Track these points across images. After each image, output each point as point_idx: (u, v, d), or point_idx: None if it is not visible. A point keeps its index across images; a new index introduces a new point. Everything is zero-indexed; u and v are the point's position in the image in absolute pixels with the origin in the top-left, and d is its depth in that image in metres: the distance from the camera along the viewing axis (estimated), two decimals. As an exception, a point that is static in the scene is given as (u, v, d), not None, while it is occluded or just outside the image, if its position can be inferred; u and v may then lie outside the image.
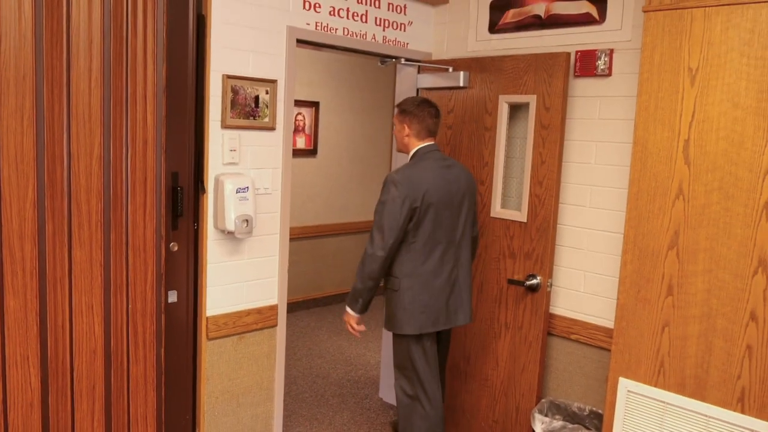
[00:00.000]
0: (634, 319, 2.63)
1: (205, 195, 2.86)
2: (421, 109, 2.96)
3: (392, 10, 3.51)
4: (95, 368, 2.59)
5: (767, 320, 2.27)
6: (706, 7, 2.41)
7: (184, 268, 2.90)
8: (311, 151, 5.97)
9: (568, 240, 3.19)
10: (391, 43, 3.53)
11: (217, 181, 2.86)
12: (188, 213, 2.86)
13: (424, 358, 2.94)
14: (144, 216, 2.65)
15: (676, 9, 2.49)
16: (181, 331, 2.94)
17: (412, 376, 2.96)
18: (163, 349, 2.77)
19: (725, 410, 2.38)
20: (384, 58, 3.56)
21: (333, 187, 6.15)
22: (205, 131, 2.83)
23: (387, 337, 4.05)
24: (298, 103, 5.79)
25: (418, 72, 3.68)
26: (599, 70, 3.01)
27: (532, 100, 3.14)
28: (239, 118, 2.91)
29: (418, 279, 2.89)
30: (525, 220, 3.20)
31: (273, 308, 3.19)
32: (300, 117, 5.84)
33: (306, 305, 6.14)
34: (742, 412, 2.34)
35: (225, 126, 2.87)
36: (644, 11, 2.58)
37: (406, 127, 2.97)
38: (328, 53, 5.70)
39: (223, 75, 2.83)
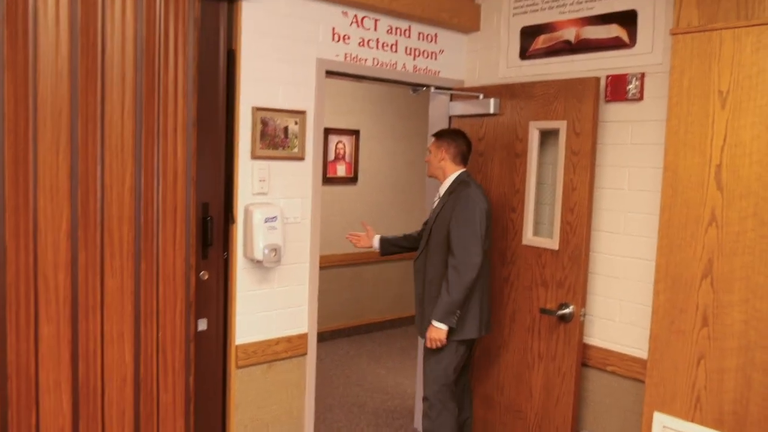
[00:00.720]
0: (668, 350, 2.54)
1: (234, 225, 2.92)
2: (458, 137, 3.22)
3: (423, 39, 3.53)
4: (125, 395, 2.65)
5: (808, 354, 2.15)
6: (735, 28, 2.35)
7: (214, 297, 2.95)
8: (352, 179, 6.02)
9: (603, 268, 3.10)
10: (422, 71, 3.55)
11: (246, 210, 2.92)
12: (218, 242, 2.92)
13: (460, 365, 3.19)
14: (174, 245, 2.72)
15: (704, 31, 2.44)
16: (211, 359, 2.98)
17: (444, 388, 3.14)
18: (192, 377, 2.82)
19: (766, 449, 2.26)
20: (416, 86, 3.58)
21: (373, 214, 6.18)
22: (235, 162, 2.89)
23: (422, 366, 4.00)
24: (338, 131, 5.87)
25: (450, 99, 3.69)
26: (630, 95, 2.95)
27: (562, 125, 3.10)
28: (268, 149, 2.97)
29: (480, 285, 3.10)
30: (557, 248, 3.14)
31: (303, 337, 3.20)
32: (340, 145, 5.91)
33: (346, 333, 6.14)
34: (784, 451, 2.22)
35: (254, 157, 2.93)
36: (672, 34, 2.53)
37: (443, 152, 3.19)
38: (367, 83, 5.80)
39: (252, 107, 2.90)
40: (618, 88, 3.00)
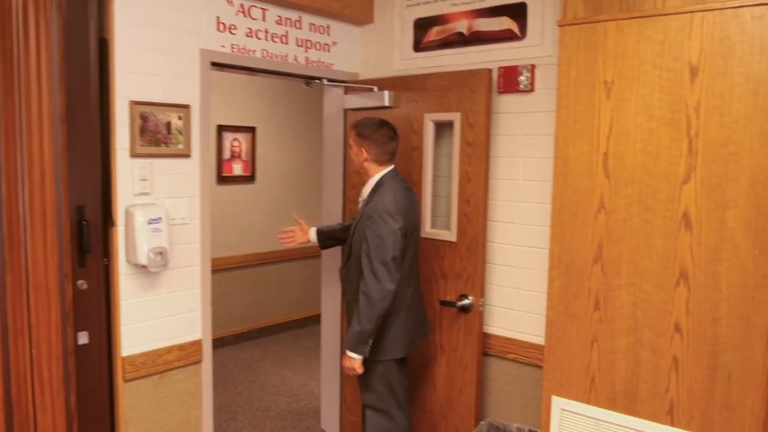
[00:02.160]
0: (564, 335, 2.57)
1: (115, 228, 2.70)
2: (381, 133, 2.89)
3: (315, 31, 3.43)
4: (-5, 420, 2.40)
5: (690, 331, 2.23)
6: (618, 20, 2.40)
7: (95, 307, 2.73)
8: (249, 178, 5.83)
9: (500, 258, 3.13)
10: (314, 64, 3.45)
11: (127, 212, 2.71)
12: (97, 248, 2.70)
13: (402, 377, 2.98)
14: (45, 253, 2.48)
15: (589, 23, 2.47)
16: (95, 373, 2.76)
17: (387, 397, 2.96)
18: (73, 395, 2.58)
19: (655, 424, 2.33)
20: (309, 79, 3.47)
21: (273, 213, 6.01)
22: (112, 161, 2.68)
23: (327, 365, 3.92)
24: (234, 128, 5.66)
25: (345, 93, 3.60)
26: (522, 86, 2.98)
27: (456, 117, 3.09)
28: (150, 146, 2.78)
29: (403, 303, 2.89)
30: (455, 240, 3.13)
31: (196, 343, 3.03)
32: (236, 143, 5.70)
33: (250, 335, 5.96)
34: (672, 424, 2.29)
35: (134, 154, 2.73)
36: (559, 26, 2.56)
37: (365, 152, 2.90)
38: (261, 77, 5.62)
39: (130, 101, 2.70)
40: (510, 80, 3.02)
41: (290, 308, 6.26)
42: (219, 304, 5.33)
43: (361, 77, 3.65)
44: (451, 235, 3.13)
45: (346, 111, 3.62)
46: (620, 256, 2.41)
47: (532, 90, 2.97)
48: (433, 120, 3.20)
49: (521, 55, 3.00)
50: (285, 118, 6.08)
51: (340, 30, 3.56)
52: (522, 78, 2.97)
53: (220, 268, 5.52)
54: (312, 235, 3.31)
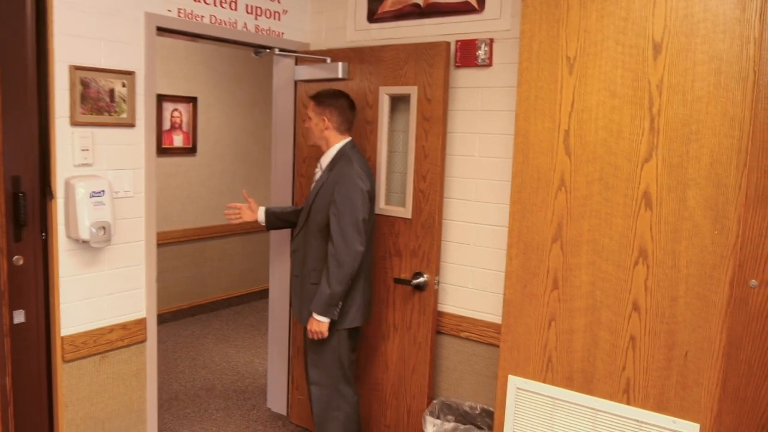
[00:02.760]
0: (521, 315, 2.58)
1: (54, 201, 2.53)
2: (341, 102, 2.91)
3: (265, -3, 3.28)
4: None
5: (648, 310, 2.26)
6: (581, -6, 2.38)
7: (32, 284, 2.56)
8: (190, 150, 5.61)
9: (455, 235, 3.11)
10: (264, 32, 3.31)
11: (67, 184, 2.54)
12: (34, 222, 2.52)
13: (350, 352, 2.99)
14: (-23, 227, 2.30)
15: (552, -3, 2.44)
16: (32, 354, 2.59)
17: (336, 372, 2.96)
18: (8, 377, 2.43)
19: (612, 402, 2.36)
20: (258, 48, 3.33)
21: (215, 187, 5.83)
22: (51, 129, 2.49)
23: (274, 343, 3.83)
24: (174, 98, 5.43)
25: (296, 64, 3.48)
26: (480, 60, 2.94)
27: (413, 91, 3.02)
28: (92, 114, 2.60)
29: (363, 270, 2.92)
30: (410, 217, 3.09)
31: (140, 322, 2.89)
32: (176, 113, 5.47)
33: (191, 312, 5.79)
34: (628, 403, 2.33)
35: (75, 123, 2.55)
36: (521, -1, 2.52)
37: (326, 120, 2.90)
38: (204, 45, 5.38)
39: (70, 66, 2.51)
40: (468, 54, 2.97)
41: (232, 284, 6.11)
42: (159, 280, 5.16)
43: (313, 48, 3.53)
44: (406, 212, 3.09)
45: (297, 83, 3.50)
46: (580, 234, 2.42)
47: (490, 65, 2.93)
48: (389, 93, 3.12)
49: (479, 28, 2.96)
50: (229, 88, 5.87)
51: (292, -3, 3.42)
52: (480, 52, 2.93)
53: (160, 242, 5.29)
54: (260, 214, 3.21)
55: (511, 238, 2.61)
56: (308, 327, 2.86)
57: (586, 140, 2.38)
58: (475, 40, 2.94)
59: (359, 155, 2.94)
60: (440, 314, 3.15)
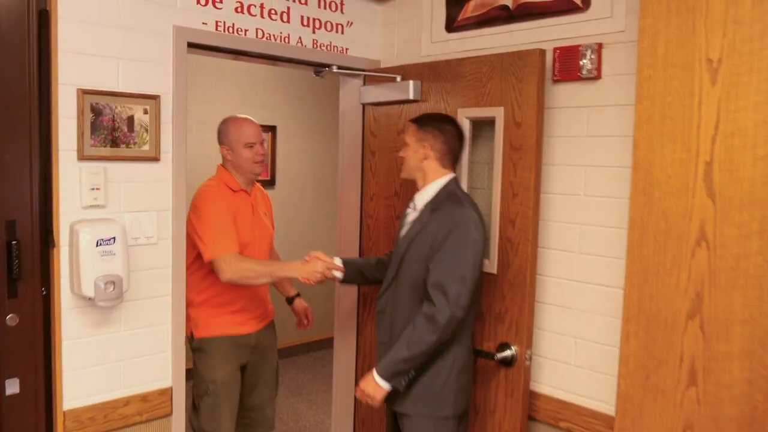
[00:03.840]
0: (642, 416, 1.86)
1: (55, 250, 2.12)
2: (446, 127, 2.33)
3: (324, 7, 2.79)
4: None
5: None
6: (729, -28, 1.68)
7: (30, 348, 2.14)
8: (268, 182, 5.24)
9: (553, 296, 2.42)
10: (324, 48, 2.81)
11: (72, 230, 2.12)
12: (32, 274, 2.11)
13: None
14: (-45, 283, 1.91)
15: (685, -22, 1.77)
16: (27, 431, 2.18)
17: None
18: (-8, 465, 2.02)
19: None
20: (319, 67, 2.83)
21: (296, 222, 5.41)
22: (53, 165, 2.10)
23: (338, 401, 3.27)
24: (252, 127, 5.08)
25: (364, 84, 2.96)
26: (584, 72, 2.27)
27: (498, 113, 2.40)
28: (104, 146, 2.18)
29: (466, 342, 2.31)
30: (495, 272, 2.44)
31: (165, 392, 2.42)
32: (254, 144, 5.12)
33: (266, 358, 5.35)
34: None
35: (83, 157, 2.14)
36: (641, -15, 1.85)
37: (427, 148, 2.31)
38: (284, 69, 5.03)
39: (78, 90, 2.11)
40: (569, 64, 2.32)
41: (312, 327, 5.62)
42: None
43: (384, 65, 2.99)
44: (490, 265, 2.44)
45: (364, 106, 2.98)
46: (730, 310, 1.68)
47: (597, 77, 2.26)
48: (470, 117, 2.52)
49: (583, 31, 2.30)
50: (311, 116, 5.48)
51: (356, 7, 2.91)
52: (585, 62, 2.26)
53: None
54: (338, 264, 2.61)
55: (628, 309, 1.91)
56: (362, 386, 2.24)
57: (739, 176, 1.66)
58: (578, 46, 2.28)
59: (469, 196, 2.34)
60: (533, 395, 2.46)
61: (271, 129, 5.21)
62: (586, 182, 2.32)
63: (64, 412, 2.19)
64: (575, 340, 2.37)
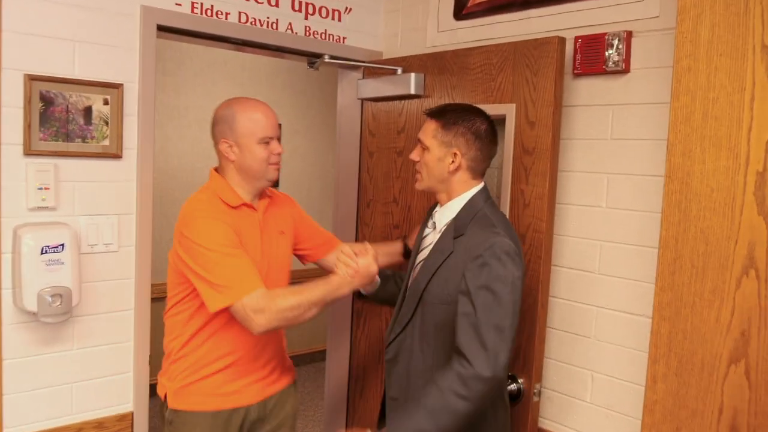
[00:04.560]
0: (672, 478, 1.54)
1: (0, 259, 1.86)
2: (480, 125, 1.80)
3: (320, -9, 2.51)
4: None
5: None
6: (791, -61, 1.36)
7: (-35, 370, 1.89)
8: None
9: (568, 322, 2.11)
10: (318, 36, 2.53)
11: (15, 235, 1.86)
12: (-33, 285, 1.86)
13: None
14: None
15: (736, -52, 1.45)
16: (-36, 464, 1.92)
17: None
18: None
19: None
20: (311, 57, 2.55)
21: (300, 226, 5.13)
22: (-6, 160, 1.84)
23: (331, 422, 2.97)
24: (255, 125, 4.82)
25: (363, 77, 2.66)
26: (610, 64, 1.95)
27: (509, 111, 2.09)
28: (55, 140, 1.92)
29: (503, 391, 1.86)
30: (501, 292, 2.12)
31: (124, 418, 2.15)
32: (258, 142, 4.85)
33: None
34: None
35: (30, 152, 1.88)
36: (680, -43, 1.54)
37: (459, 157, 1.78)
38: (289, 63, 4.76)
39: (24, 75, 1.85)
40: (592, 55, 2.00)
41: (316, 336, 5.35)
42: None
43: (387, 56, 2.70)
44: (495, 283, 2.13)
45: (362, 102, 2.68)
46: (786, 357, 1.36)
47: (626, 70, 1.94)
48: (477, 115, 2.21)
49: (610, 17, 1.98)
50: (319, 114, 5.20)
51: (356, -8, 2.63)
52: (611, 52, 1.95)
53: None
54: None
55: (657, 347, 1.60)
56: None
57: (802, 191, 1.34)
58: (604, 34, 1.96)
59: (499, 213, 1.84)
60: (543, 435, 2.15)
61: (276, 127, 4.93)
62: (609, 192, 2.00)
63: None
64: (591, 374, 2.05)
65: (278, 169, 1.95)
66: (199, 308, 1.83)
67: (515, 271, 1.65)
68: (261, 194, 1.98)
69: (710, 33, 1.48)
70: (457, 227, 1.78)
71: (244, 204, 1.91)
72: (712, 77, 1.48)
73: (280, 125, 4.73)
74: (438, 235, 1.84)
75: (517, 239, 1.78)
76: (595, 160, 2.03)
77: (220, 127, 1.89)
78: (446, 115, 1.81)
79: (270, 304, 1.71)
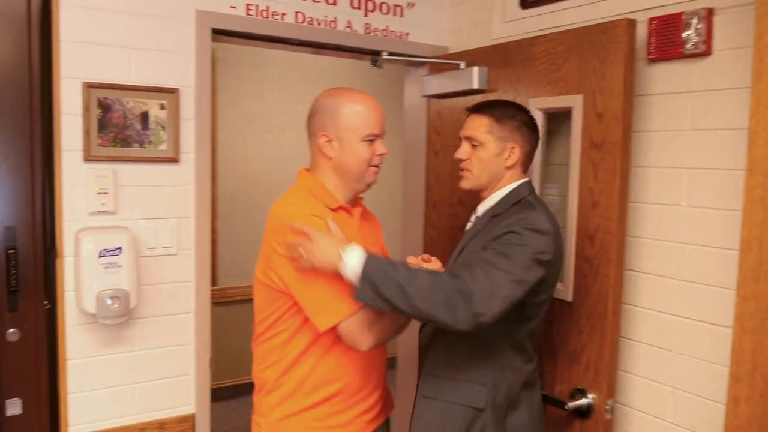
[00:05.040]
0: None
1: (60, 260, 1.92)
2: (532, 122, 1.77)
3: (381, -13, 2.44)
4: None
5: None
6: None
7: (32, 366, 1.97)
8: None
9: (644, 333, 1.91)
10: (379, 33, 2.46)
11: (76, 239, 1.92)
12: (34, 286, 1.93)
13: None
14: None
15: None
16: (31, 459, 1.99)
17: None
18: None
19: None
20: (375, 55, 2.48)
21: (388, 232, 5.08)
22: (56, 166, 1.90)
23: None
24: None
25: (428, 74, 2.57)
26: (689, 47, 1.75)
27: (575, 102, 1.93)
28: (114, 146, 1.96)
29: (532, 391, 1.76)
30: (569, 299, 1.96)
31: (186, 420, 2.17)
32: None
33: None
34: None
35: (90, 158, 1.93)
36: None
37: (517, 151, 1.73)
38: (356, 60, 4.71)
39: (83, 83, 1.90)
40: (668, 38, 1.80)
41: (392, 343, 5.28)
42: None
43: (453, 51, 2.59)
44: (564, 290, 1.97)
45: (429, 99, 2.59)
46: None
47: (707, 53, 1.73)
48: (542, 108, 2.06)
49: (690, -4, 1.78)
50: (390, 111, 5.12)
51: (420, -15, 2.54)
52: (689, 33, 1.74)
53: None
54: None
55: (738, 364, 1.40)
56: (315, 238, 1.50)
57: None
58: (681, 13, 1.77)
59: (544, 203, 1.76)
60: (618, 456, 1.97)
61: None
62: (689, 189, 1.80)
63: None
64: (673, 391, 1.85)
65: (377, 173, 1.73)
66: (301, 327, 1.60)
67: (539, 246, 1.57)
68: (355, 200, 1.76)
69: (797, 2, 1.28)
70: (496, 210, 1.73)
71: (342, 207, 1.69)
72: (799, 53, 1.28)
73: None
74: (472, 223, 1.82)
75: (557, 224, 1.67)
76: (674, 154, 1.83)
77: (320, 117, 1.66)
78: (497, 110, 1.74)
79: (378, 316, 1.57)
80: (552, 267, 1.64)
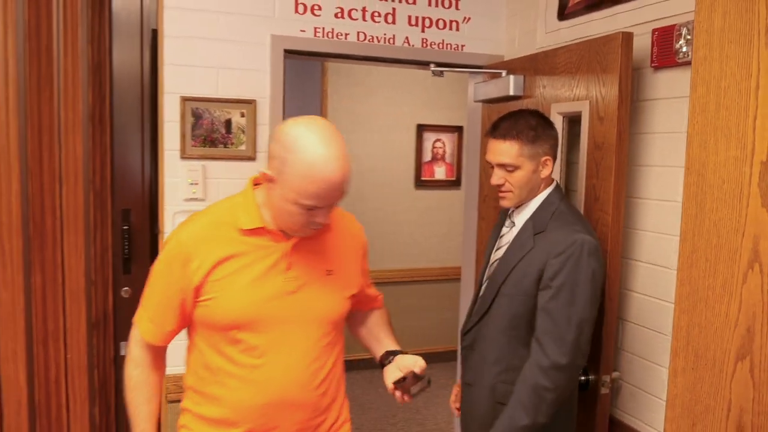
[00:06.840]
0: (683, 472, 1.53)
1: (161, 235, 2.45)
2: (554, 131, 1.95)
3: (436, 5, 2.75)
4: (21, 421, 2.33)
5: None
6: None
7: (141, 319, 2.52)
8: (454, 182, 5.26)
9: (643, 316, 2.09)
10: (436, 46, 2.77)
11: (173, 219, 2.44)
12: (142, 255, 2.48)
13: None
14: (77, 257, 2.35)
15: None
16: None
17: None
18: (97, 409, 2.42)
19: None
20: (436, 67, 2.79)
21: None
22: (160, 162, 2.43)
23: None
24: (437, 128, 5.17)
25: (484, 81, 2.85)
26: (680, 56, 1.92)
27: (584, 108, 2.14)
28: (203, 146, 2.46)
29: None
30: (576, 284, 2.17)
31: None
32: (439, 144, 5.19)
33: (444, 357, 5.39)
34: None
35: (185, 156, 2.44)
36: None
37: (549, 159, 1.89)
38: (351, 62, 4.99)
39: (180, 97, 2.41)
40: (665, 47, 1.97)
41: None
42: (411, 319, 5.04)
43: (507, 60, 2.84)
44: (572, 276, 2.19)
45: (482, 105, 2.86)
46: (775, 354, 1.31)
47: (702, 62, 1.88)
48: (562, 113, 2.28)
49: (683, 7, 1.93)
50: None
51: (474, 1, 2.80)
52: (680, 44, 1.91)
53: (412, 279, 5.13)
54: None
55: (677, 340, 1.59)
56: None
57: (792, 181, 1.29)
58: (674, 25, 1.93)
59: (575, 209, 1.96)
60: (617, 425, 2.15)
61: (458, 129, 5.21)
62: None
63: (166, 377, 2.52)
64: (665, 371, 2.01)
65: (313, 232, 1.53)
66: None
67: (595, 266, 1.77)
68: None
69: (723, 21, 1.45)
70: (536, 225, 1.89)
71: (267, 230, 1.52)
72: (723, 65, 1.45)
73: (460, 128, 4.97)
74: (516, 232, 1.95)
75: (594, 233, 1.87)
76: (671, 153, 1.99)
77: (273, 151, 1.48)
78: (520, 129, 1.85)
79: (152, 360, 1.75)
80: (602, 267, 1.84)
